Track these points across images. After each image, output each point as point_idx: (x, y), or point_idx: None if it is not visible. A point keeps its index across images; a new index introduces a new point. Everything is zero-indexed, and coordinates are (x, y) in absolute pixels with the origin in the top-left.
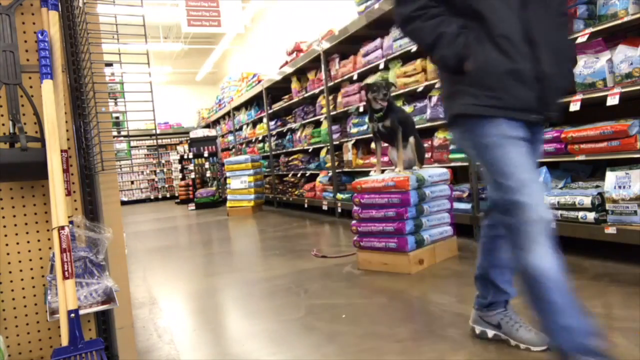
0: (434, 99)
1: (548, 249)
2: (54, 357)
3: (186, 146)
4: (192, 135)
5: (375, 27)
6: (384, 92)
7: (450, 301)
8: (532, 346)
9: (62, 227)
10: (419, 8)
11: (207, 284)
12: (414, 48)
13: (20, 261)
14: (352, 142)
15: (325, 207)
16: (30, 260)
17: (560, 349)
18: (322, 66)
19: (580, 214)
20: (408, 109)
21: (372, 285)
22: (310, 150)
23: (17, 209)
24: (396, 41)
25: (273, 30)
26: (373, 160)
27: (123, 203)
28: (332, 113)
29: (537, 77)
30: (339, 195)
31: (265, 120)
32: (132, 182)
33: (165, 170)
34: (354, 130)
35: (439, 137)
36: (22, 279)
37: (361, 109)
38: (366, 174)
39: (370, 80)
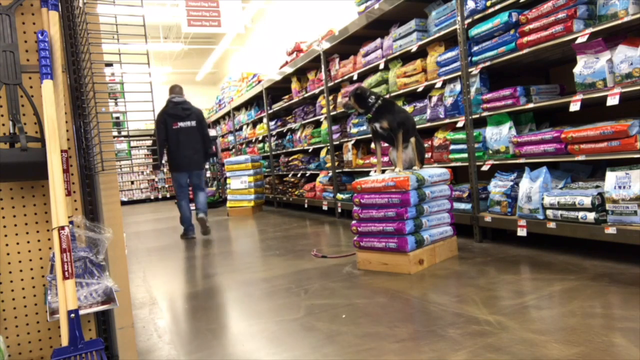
0: (434, 99)
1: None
2: (54, 357)
3: None
4: None
5: (375, 27)
6: (351, 94)
7: (450, 301)
8: None
9: (62, 227)
10: None
11: (207, 284)
12: (414, 48)
13: (20, 261)
14: (352, 142)
15: (325, 207)
16: (30, 260)
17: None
18: (322, 66)
19: (580, 214)
20: (408, 109)
21: (372, 285)
22: (310, 151)
23: (17, 209)
24: (396, 41)
25: (273, 30)
26: (373, 160)
27: (123, 203)
28: (332, 113)
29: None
30: (339, 196)
31: (265, 120)
32: (132, 182)
33: (165, 170)
34: (354, 130)
35: (439, 137)
36: (22, 279)
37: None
38: (366, 174)
39: (370, 80)
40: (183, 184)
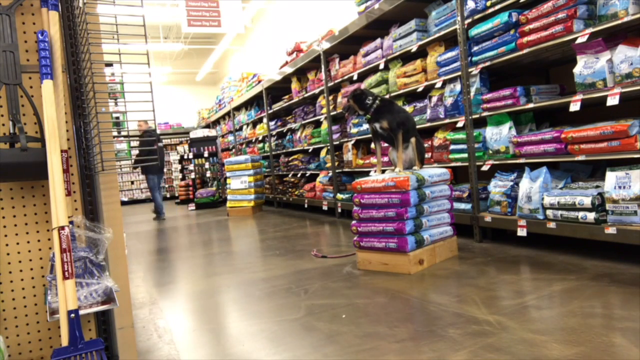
0: (434, 99)
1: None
2: (54, 357)
3: (186, 146)
4: (192, 135)
5: (375, 27)
6: (350, 96)
7: (450, 301)
8: None
9: (62, 227)
10: None
11: (207, 284)
12: (414, 48)
13: (20, 261)
14: (352, 142)
15: (325, 207)
16: (30, 260)
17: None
18: (322, 66)
19: (581, 214)
20: (408, 109)
21: (372, 285)
22: (310, 151)
23: (17, 209)
24: (396, 41)
25: (273, 30)
26: (373, 160)
27: (123, 203)
28: (332, 113)
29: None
30: (339, 196)
31: (265, 120)
32: (132, 182)
33: (165, 170)
34: (354, 130)
35: (439, 137)
36: (22, 279)
37: None
38: (366, 174)
39: (370, 80)
40: (157, 182)
